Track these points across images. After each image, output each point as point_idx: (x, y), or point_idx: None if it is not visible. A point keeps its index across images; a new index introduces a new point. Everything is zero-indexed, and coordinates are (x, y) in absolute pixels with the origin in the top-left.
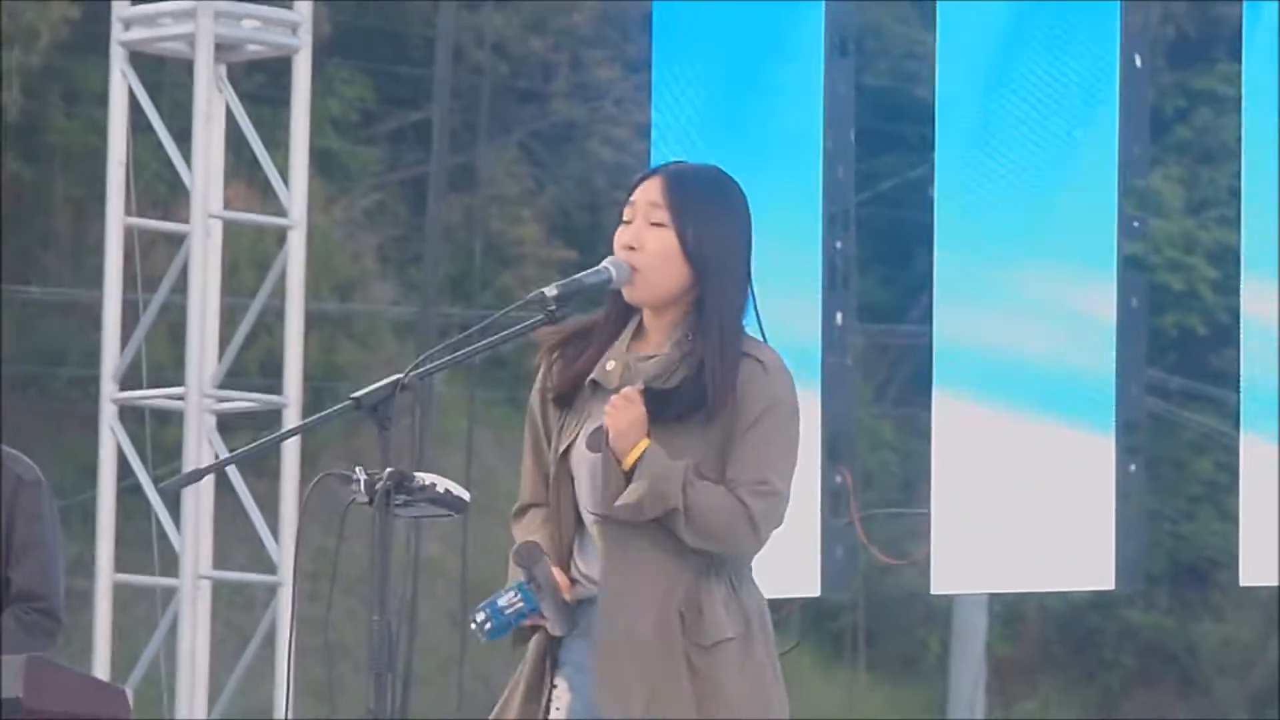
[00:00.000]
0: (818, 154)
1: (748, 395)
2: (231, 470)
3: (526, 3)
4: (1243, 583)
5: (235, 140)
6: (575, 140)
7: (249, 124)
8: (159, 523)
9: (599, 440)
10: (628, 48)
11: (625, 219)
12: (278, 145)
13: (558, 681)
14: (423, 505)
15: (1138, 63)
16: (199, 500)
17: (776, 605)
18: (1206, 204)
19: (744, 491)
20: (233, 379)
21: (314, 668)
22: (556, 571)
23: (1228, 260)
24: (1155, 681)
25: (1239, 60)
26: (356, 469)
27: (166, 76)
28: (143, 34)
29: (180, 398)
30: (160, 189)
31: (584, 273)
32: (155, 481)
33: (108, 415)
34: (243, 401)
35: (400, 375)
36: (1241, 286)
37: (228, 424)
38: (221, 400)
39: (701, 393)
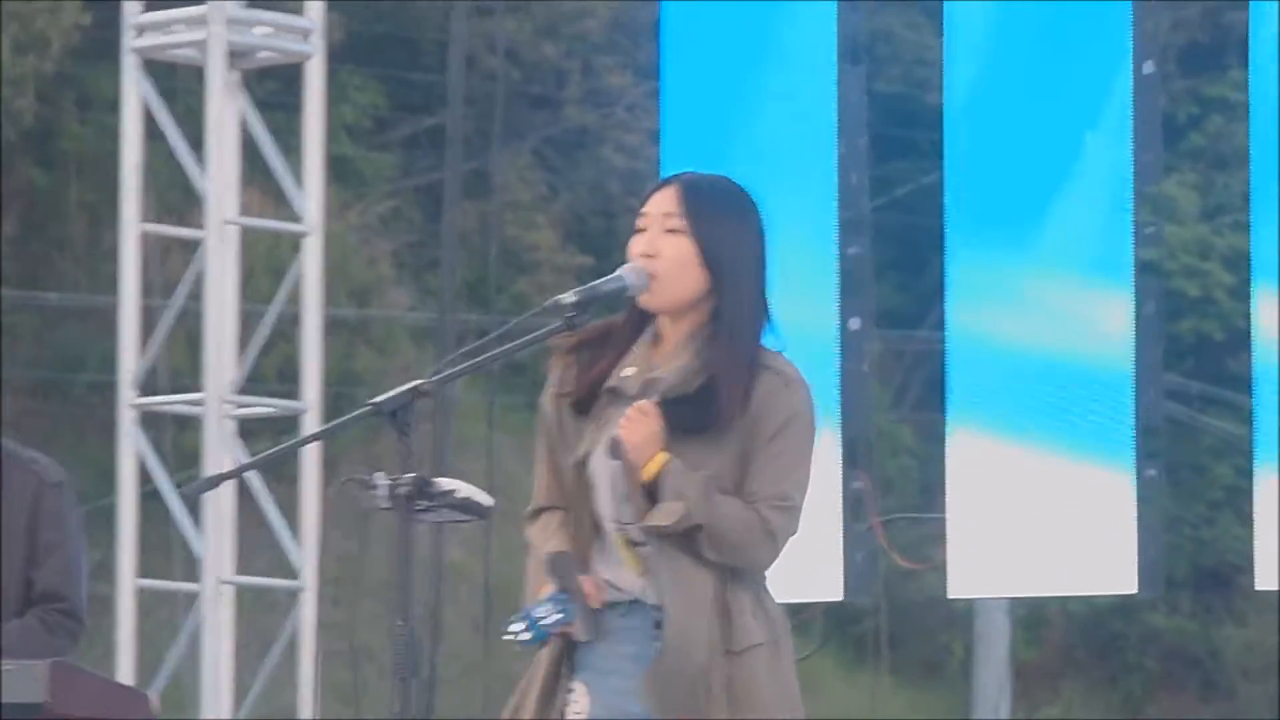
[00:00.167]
0: (831, 160)
1: (768, 409)
2: (252, 475)
3: (539, 7)
4: (1258, 587)
5: (249, 146)
6: (588, 146)
7: (263, 130)
8: (180, 528)
9: (617, 447)
10: (639, 54)
11: (639, 228)
12: (292, 151)
13: (575, 685)
14: (444, 511)
15: (1149, 69)
16: (220, 505)
17: (799, 609)
18: (1221, 210)
19: (764, 506)
20: (251, 385)
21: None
22: (586, 580)
23: (1243, 266)
24: (1178, 685)
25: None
26: (377, 475)
27: (180, 83)
28: (155, 40)
29: (199, 403)
30: (176, 195)
31: (601, 280)
32: (175, 487)
33: (127, 421)
34: (262, 407)
35: (420, 381)
36: (1251, 293)
37: (247, 429)
38: (240, 406)
39: (718, 405)
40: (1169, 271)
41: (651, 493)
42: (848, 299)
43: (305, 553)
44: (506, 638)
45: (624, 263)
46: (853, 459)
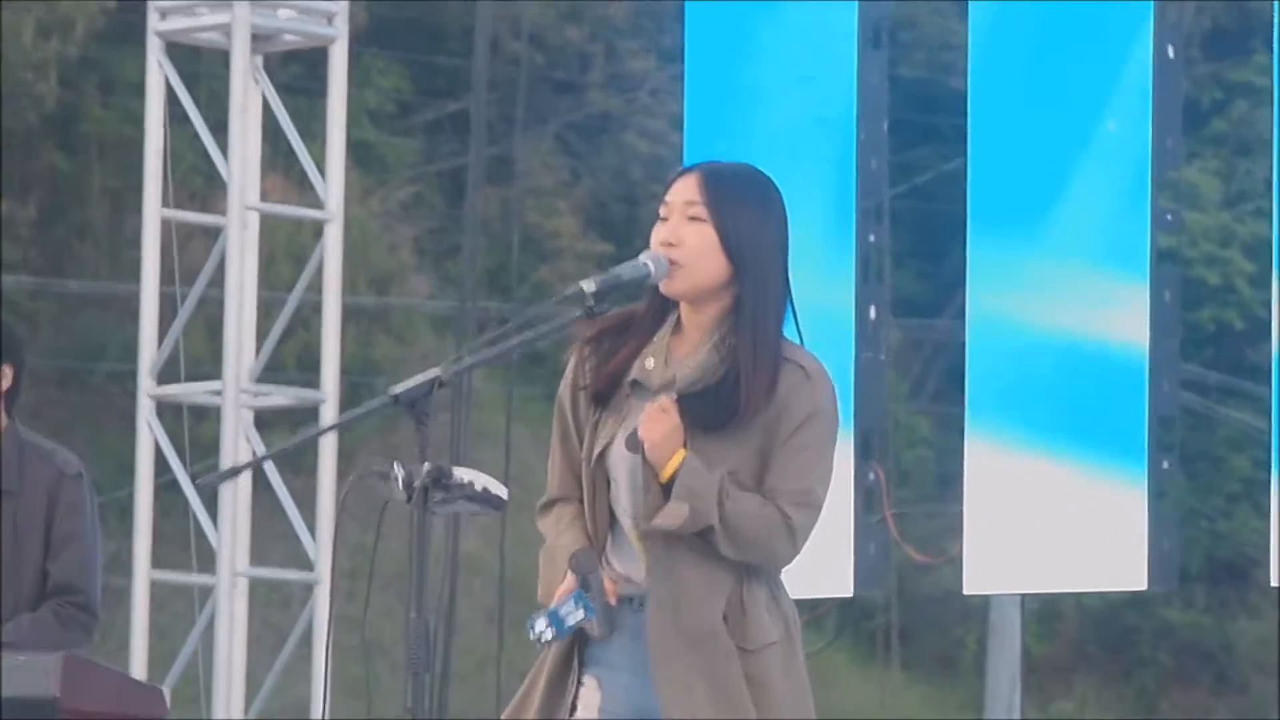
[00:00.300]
0: (852, 146)
1: (791, 403)
2: (269, 466)
3: None
4: (1274, 583)
5: (272, 132)
6: (611, 132)
7: (285, 115)
8: (196, 519)
9: (637, 441)
10: (663, 38)
11: (661, 217)
12: (314, 137)
13: (585, 679)
14: (461, 502)
15: (1171, 54)
16: (236, 497)
17: (812, 604)
18: (1243, 197)
19: (785, 502)
20: (270, 373)
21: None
22: (606, 577)
23: (1265, 254)
24: (1192, 680)
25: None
26: (394, 465)
27: (203, 67)
28: (179, 24)
29: (217, 392)
30: (197, 181)
31: (621, 267)
32: (192, 477)
33: (145, 410)
34: (280, 396)
35: (438, 371)
36: (1272, 281)
37: (264, 419)
38: (259, 395)
39: (740, 398)
40: (1189, 259)
41: (669, 490)
42: (865, 286)
43: (321, 545)
44: (530, 635)
45: (645, 250)
46: (867, 450)
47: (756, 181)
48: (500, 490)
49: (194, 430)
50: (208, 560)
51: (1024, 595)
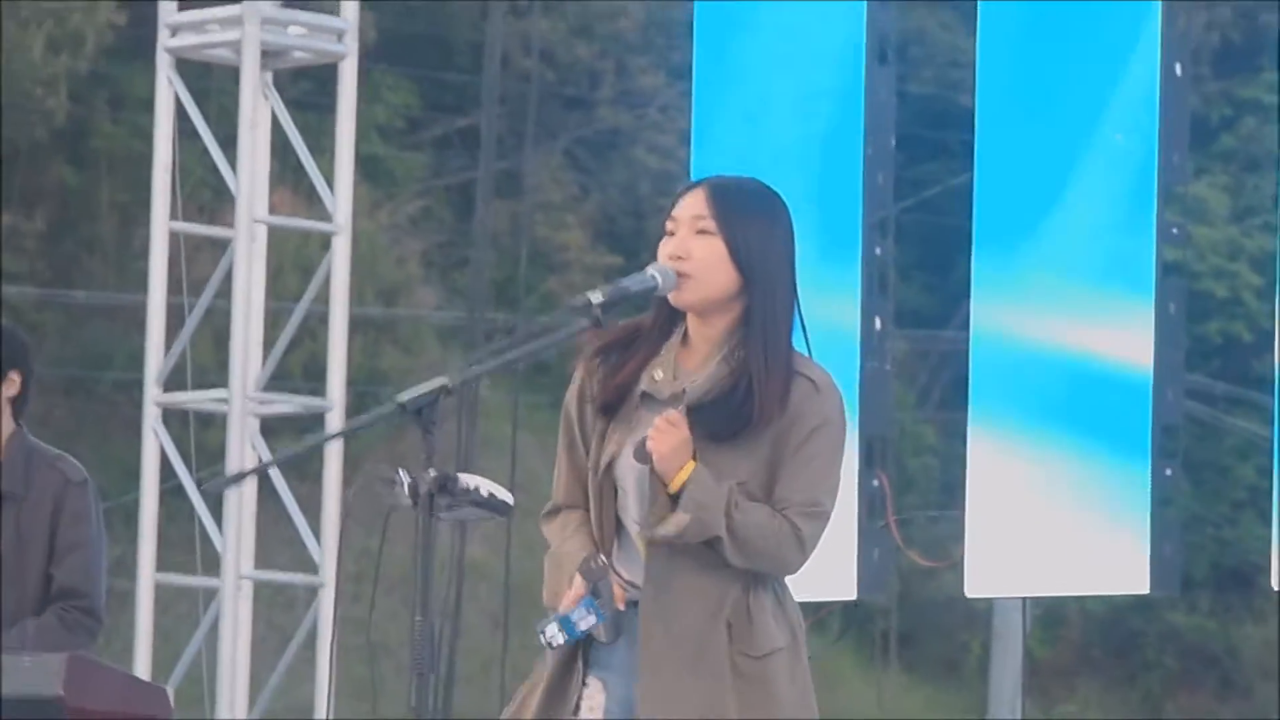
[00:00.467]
0: (859, 161)
1: (800, 414)
2: (274, 472)
3: (573, 7)
4: (1276, 587)
5: (280, 146)
6: (620, 147)
7: (295, 131)
8: (201, 525)
9: (645, 453)
10: (673, 54)
11: (668, 232)
12: (323, 151)
13: (589, 681)
14: (467, 508)
15: (1178, 71)
16: (241, 501)
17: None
18: (1251, 211)
19: (794, 513)
20: (276, 382)
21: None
22: (614, 584)
23: (1271, 267)
24: (1196, 684)
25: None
26: (400, 471)
27: (213, 83)
28: (189, 40)
29: (224, 400)
30: (205, 194)
31: (629, 278)
32: (198, 483)
33: (151, 418)
34: (286, 405)
35: (446, 379)
36: (1277, 294)
37: (271, 427)
38: (264, 403)
39: (753, 408)
40: (1197, 273)
41: (678, 502)
42: (871, 298)
43: (326, 549)
44: (541, 640)
45: (653, 263)
46: (871, 457)
47: (763, 195)
48: (506, 496)
49: (200, 438)
50: (212, 564)
51: (1028, 599)
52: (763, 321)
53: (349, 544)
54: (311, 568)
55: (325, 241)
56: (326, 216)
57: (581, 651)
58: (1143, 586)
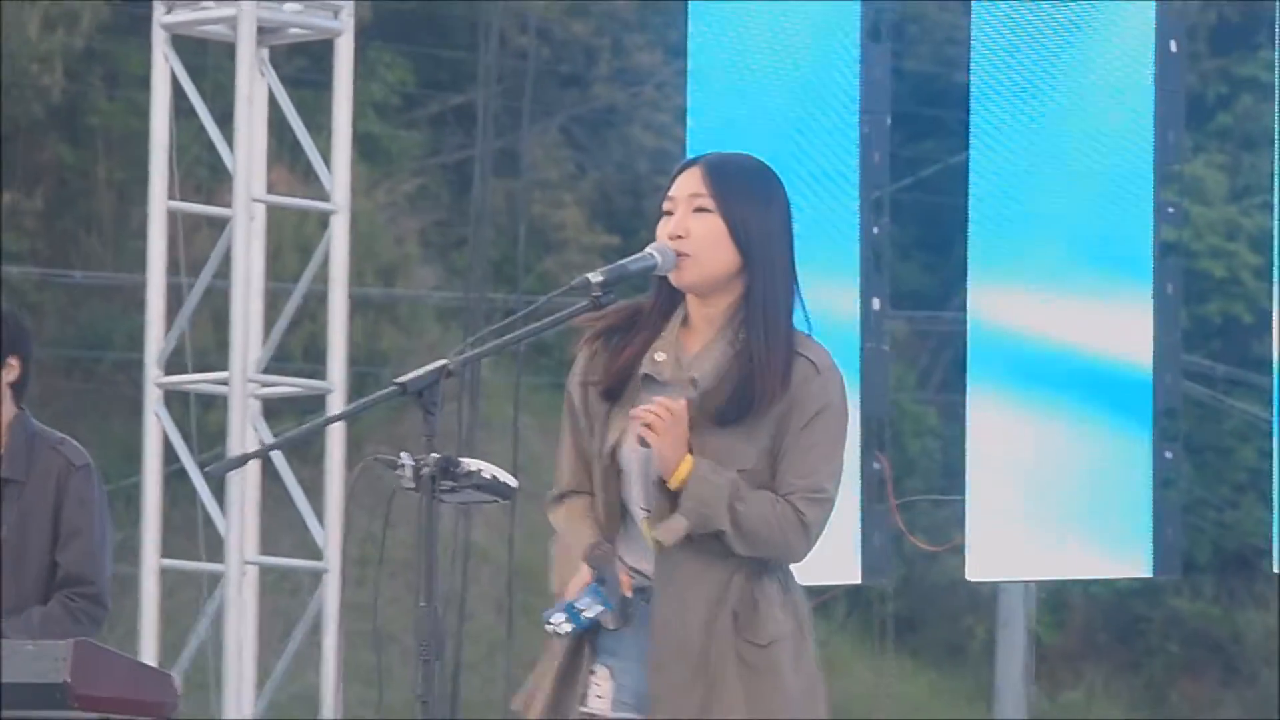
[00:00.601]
0: (855, 139)
1: (802, 397)
2: (276, 455)
3: None
4: (1276, 569)
5: (277, 124)
6: (616, 125)
7: (291, 108)
8: (204, 508)
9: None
10: (669, 33)
11: (666, 211)
12: (320, 129)
13: (597, 668)
14: (469, 491)
15: (1173, 48)
16: (244, 485)
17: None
18: (1249, 190)
19: (798, 499)
20: (276, 364)
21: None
22: (621, 571)
23: (1270, 247)
24: (1201, 669)
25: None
26: (403, 454)
27: (209, 60)
28: (185, 17)
29: (224, 382)
30: (203, 173)
31: (629, 258)
32: (200, 466)
33: (152, 400)
34: (287, 386)
35: (446, 360)
36: (1274, 274)
37: (271, 409)
38: (265, 385)
39: (753, 394)
40: (1196, 252)
41: (678, 497)
42: (869, 278)
43: (330, 533)
44: (548, 628)
45: (651, 242)
46: (871, 440)
47: (760, 172)
48: (509, 479)
49: (201, 420)
50: (215, 549)
51: (1033, 584)
52: (763, 300)
53: (352, 528)
54: (314, 552)
55: (323, 221)
56: (323, 195)
57: (589, 638)
58: (1145, 570)
